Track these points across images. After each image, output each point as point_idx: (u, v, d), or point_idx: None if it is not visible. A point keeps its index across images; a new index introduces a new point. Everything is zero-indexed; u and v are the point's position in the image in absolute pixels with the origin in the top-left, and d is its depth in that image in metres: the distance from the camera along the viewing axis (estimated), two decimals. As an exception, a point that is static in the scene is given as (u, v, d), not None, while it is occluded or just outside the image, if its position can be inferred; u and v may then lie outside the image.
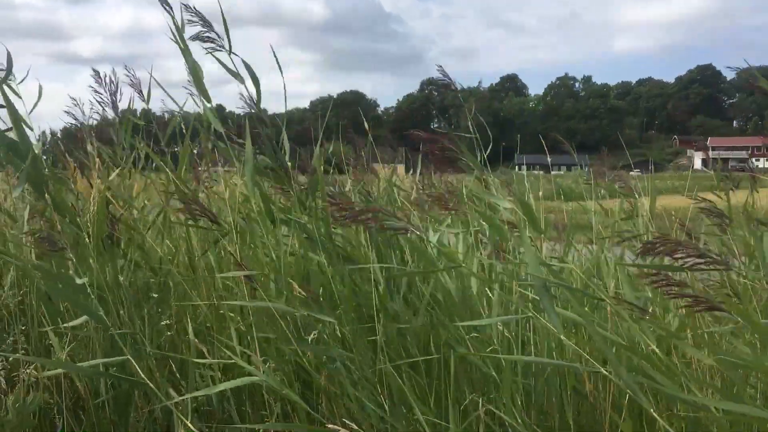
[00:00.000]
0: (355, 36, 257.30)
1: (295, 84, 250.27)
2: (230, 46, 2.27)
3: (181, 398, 1.93)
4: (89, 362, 2.18)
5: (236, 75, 2.31)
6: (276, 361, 2.10)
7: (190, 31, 2.27)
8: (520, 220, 1.93)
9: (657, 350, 1.58)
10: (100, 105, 2.87)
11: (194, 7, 2.28)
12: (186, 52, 2.31)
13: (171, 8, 2.27)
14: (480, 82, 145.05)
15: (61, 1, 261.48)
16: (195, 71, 2.34)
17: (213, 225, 2.24)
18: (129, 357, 1.91)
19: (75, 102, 3.04)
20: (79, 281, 2.13)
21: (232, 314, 2.24)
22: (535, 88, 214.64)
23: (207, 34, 2.27)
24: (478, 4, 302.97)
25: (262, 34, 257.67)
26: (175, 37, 2.27)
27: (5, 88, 2.47)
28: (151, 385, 1.83)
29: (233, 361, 1.80)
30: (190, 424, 1.73)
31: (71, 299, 2.13)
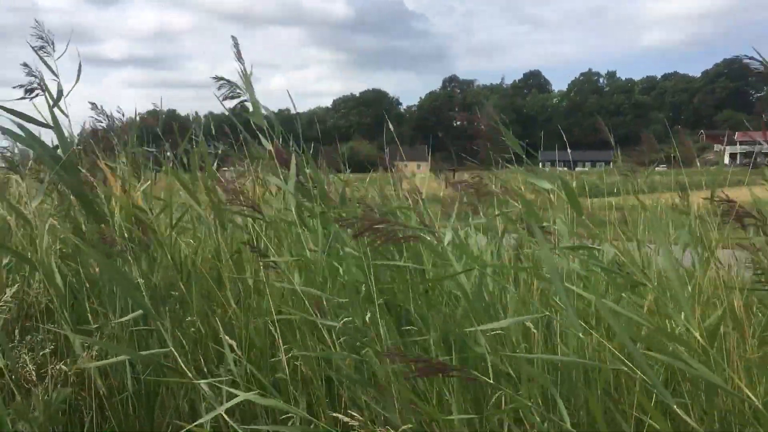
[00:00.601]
0: (378, 34, 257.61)
1: (317, 83, 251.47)
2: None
3: (207, 382, 1.95)
4: (120, 358, 2.21)
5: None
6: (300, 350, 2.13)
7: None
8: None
9: (700, 338, 1.54)
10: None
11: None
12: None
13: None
14: (503, 79, 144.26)
15: (89, 4, 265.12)
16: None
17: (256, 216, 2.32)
18: (172, 348, 1.96)
19: (93, 106, 3.07)
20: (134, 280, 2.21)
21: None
22: (559, 84, 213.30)
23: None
24: (502, 0, 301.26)
25: (284, 33, 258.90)
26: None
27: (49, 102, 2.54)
28: (189, 374, 1.87)
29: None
30: (225, 416, 1.74)
31: (130, 295, 2.20)
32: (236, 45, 2.52)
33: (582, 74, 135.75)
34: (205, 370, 2.22)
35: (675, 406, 1.41)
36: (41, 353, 2.13)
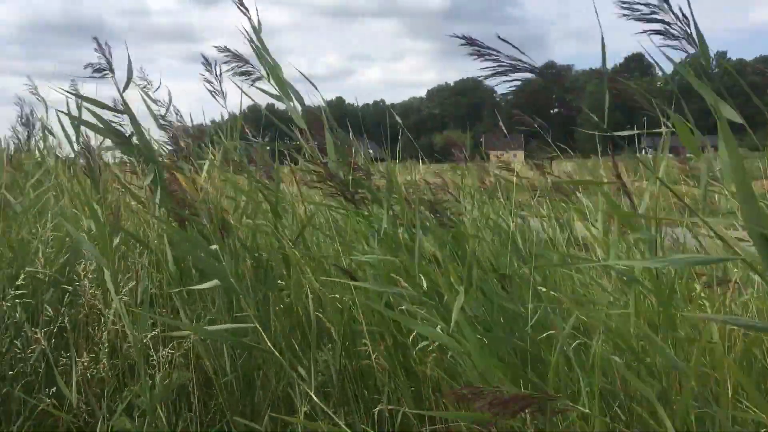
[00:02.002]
0: (473, 22, 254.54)
1: (412, 74, 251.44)
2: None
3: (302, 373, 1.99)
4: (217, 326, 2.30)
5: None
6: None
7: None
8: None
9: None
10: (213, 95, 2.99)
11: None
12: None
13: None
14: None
15: (193, 4, 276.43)
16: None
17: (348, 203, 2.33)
18: (256, 324, 2.01)
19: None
20: (212, 247, 2.28)
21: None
22: (663, 67, 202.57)
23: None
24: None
25: (380, 26, 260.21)
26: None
27: (141, 92, 2.67)
28: (276, 353, 1.92)
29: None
30: (315, 398, 1.78)
31: (205, 263, 2.28)
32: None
33: (689, 55, 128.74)
34: (300, 355, 2.27)
35: None
36: (149, 335, 2.24)
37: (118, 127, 2.70)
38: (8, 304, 2.48)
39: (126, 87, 2.66)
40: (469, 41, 2.04)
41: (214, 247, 2.30)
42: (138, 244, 2.77)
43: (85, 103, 2.72)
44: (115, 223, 2.37)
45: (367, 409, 2.14)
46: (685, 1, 1.47)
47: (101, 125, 2.68)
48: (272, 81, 2.63)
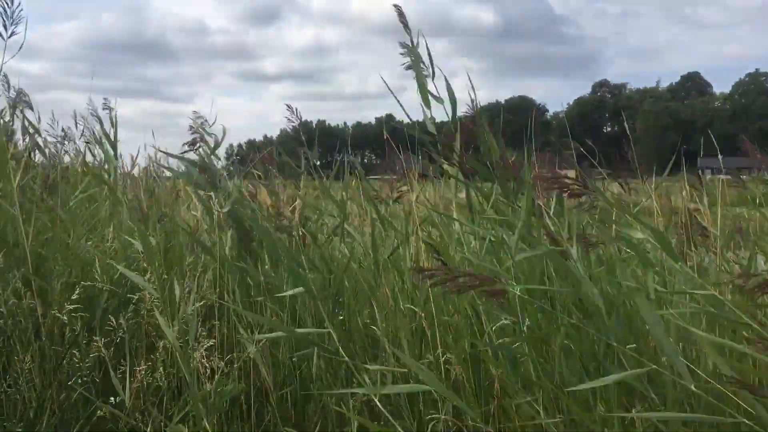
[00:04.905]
0: (525, 41, 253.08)
1: (463, 92, 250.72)
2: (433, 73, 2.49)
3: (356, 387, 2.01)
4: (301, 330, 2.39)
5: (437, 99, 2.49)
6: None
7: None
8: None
9: None
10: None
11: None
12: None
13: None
14: (658, 82, 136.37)
15: (249, 24, 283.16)
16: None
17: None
18: (331, 330, 2.07)
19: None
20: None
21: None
22: (721, 86, 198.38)
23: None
24: (657, 1, 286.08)
25: (432, 44, 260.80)
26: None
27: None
28: (346, 358, 1.96)
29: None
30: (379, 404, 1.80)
31: (292, 270, 2.40)
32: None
33: (748, 75, 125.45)
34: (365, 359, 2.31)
35: None
36: (207, 345, 2.30)
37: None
38: (65, 317, 2.58)
39: (216, 148, 3.06)
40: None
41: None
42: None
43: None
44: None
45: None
46: None
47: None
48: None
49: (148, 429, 2.26)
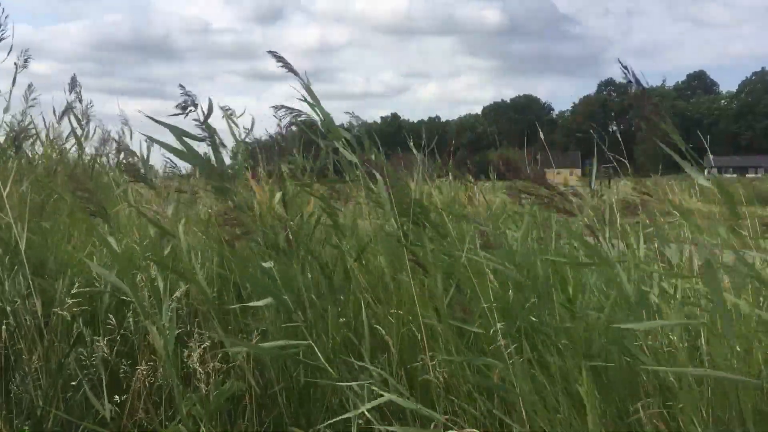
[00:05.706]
0: (530, 40, 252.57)
1: (468, 90, 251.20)
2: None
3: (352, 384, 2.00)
4: (271, 343, 2.34)
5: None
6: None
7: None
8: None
9: None
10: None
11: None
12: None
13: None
14: (664, 81, 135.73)
15: (255, 23, 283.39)
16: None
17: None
18: (311, 342, 2.05)
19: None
20: (265, 264, 2.33)
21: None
22: (727, 85, 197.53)
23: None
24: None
25: (437, 43, 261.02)
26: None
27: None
28: (329, 369, 1.93)
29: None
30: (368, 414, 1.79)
31: (257, 282, 2.35)
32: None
33: (754, 73, 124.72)
34: (357, 367, 2.28)
35: None
36: (201, 346, 2.29)
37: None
38: (67, 313, 2.57)
39: (207, 117, 2.79)
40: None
41: (268, 264, 2.37)
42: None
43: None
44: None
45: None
46: None
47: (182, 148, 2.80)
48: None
49: (148, 429, 2.25)
